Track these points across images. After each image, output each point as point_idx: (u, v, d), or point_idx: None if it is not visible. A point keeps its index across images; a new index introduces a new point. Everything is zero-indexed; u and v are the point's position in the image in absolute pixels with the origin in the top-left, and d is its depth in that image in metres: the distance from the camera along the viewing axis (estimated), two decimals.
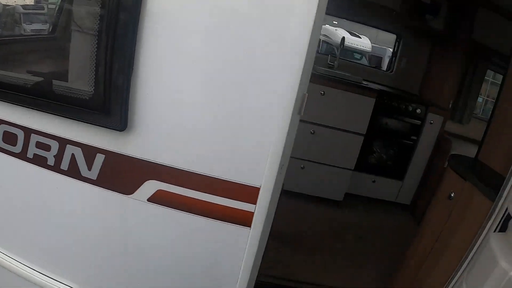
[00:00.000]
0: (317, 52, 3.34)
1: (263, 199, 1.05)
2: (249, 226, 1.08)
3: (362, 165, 3.09)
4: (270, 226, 1.18)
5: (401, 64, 3.48)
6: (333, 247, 2.57)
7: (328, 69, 3.13)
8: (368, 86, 2.85)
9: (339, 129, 2.85)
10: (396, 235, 2.91)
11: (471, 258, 1.25)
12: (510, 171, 1.18)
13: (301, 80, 0.95)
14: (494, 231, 1.18)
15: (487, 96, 3.94)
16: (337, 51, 3.23)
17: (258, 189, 1.05)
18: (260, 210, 1.06)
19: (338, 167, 2.95)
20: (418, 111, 3.03)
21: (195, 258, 1.20)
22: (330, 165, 2.95)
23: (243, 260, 1.14)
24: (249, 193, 1.05)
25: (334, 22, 4.94)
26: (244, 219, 1.08)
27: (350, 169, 2.97)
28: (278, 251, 2.38)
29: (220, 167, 1.06)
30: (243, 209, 1.06)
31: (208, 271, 1.22)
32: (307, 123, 2.81)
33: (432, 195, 3.06)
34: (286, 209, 2.95)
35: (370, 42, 5.59)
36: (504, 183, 1.19)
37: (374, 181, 3.16)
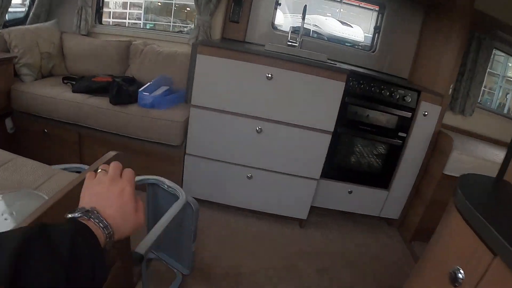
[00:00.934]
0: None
1: None
2: None
3: (334, 171, 2.09)
4: None
5: (385, 41, 2.45)
6: (282, 286, 1.62)
7: (287, 47, 2.12)
8: (335, 65, 1.83)
9: (295, 125, 1.86)
10: (376, 263, 1.92)
11: None
12: None
13: None
14: None
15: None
16: (301, 27, 2.24)
17: None
18: None
19: (297, 176, 1.97)
20: (408, 99, 2.00)
21: None
22: (286, 174, 1.96)
23: None
24: None
25: (328, 14, 4.10)
26: None
27: (315, 179, 1.98)
28: None
29: None
30: None
31: None
32: (249, 117, 1.83)
33: (428, 207, 2.05)
34: (224, 232, 1.88)
35: (362, 32, 4.62)
36: None
37: (350, 192, 2.15)
